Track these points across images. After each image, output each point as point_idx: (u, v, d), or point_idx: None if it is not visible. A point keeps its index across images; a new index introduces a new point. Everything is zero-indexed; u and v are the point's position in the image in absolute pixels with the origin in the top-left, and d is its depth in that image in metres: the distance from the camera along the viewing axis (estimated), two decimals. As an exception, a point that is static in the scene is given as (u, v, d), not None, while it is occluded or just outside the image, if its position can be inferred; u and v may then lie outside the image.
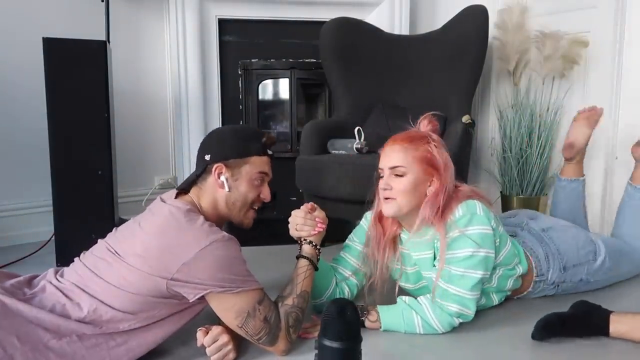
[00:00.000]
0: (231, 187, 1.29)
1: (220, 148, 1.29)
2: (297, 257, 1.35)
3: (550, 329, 1.34)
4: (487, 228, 1.36)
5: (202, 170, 1.29)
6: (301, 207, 1.40)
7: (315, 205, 1.41)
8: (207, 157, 1.29)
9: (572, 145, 1.93)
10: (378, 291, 1.49)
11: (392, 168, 1.39)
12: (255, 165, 1.31)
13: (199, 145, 1.35)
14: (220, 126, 1.39)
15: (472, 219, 1.35)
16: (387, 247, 1.48)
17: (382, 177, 1.42)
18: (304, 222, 1.37)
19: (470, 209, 1.36)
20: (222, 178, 1.28)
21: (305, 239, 1.37)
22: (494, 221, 1.39)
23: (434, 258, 1.42)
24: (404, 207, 1.39)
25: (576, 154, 1.95)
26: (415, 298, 1.41)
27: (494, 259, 1.39)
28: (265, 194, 1.35)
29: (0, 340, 1.03)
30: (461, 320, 1.38)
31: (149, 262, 1.14)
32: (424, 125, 1.45)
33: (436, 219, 1.36)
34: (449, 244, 1.36)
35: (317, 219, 1.38)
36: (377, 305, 1.42)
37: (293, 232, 1.39)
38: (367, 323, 1.40)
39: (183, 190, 1.32)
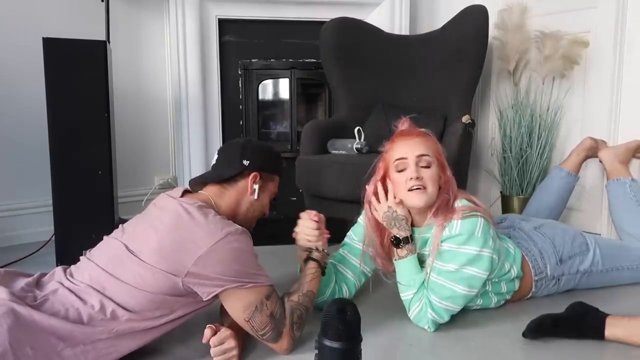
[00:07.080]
0: (258, 196, 1.37)
1: (258, 158, 1.37)
2: (305, 260, 1.37)
3: (542, 330, 1.34)
4: (484, 250, 1.33)
5: (238, 172, 1.34)
6: (307, 216, 1.39)
7: (321, 215, 1.41)
8: (246, 163, 1.34)
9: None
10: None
11: (420, 156, 1.37)
12: (276, 183, 1.44)
13: (225, 146, 1.44)
14: (251, 138, 1.50)
15: (468, 240, 1.33)
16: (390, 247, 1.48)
17: (402, 169, 1.39)
18: (318, 234, 1.38)
19: (470, 228, 1.33)
20: (255, 186, 1.35)
21: (315, 247, 1.39)
22: (491, 241, 1.35)
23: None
24: (432, 196, 1.38)
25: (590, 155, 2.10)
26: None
27: (483, 280, 1.37)
28: (268, 209, 1.46)
29: (15, 351, 1.02)
30: (430, 327, 1.38)
31: (165, 258, 1.15)
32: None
33: (443, 212, 1.37)
34: (439, 254, 1.36)
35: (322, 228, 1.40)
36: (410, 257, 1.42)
37: (304, 243, 1.39)
38: (398, 251, 1.42)
39: (188, 190, 1.34)
